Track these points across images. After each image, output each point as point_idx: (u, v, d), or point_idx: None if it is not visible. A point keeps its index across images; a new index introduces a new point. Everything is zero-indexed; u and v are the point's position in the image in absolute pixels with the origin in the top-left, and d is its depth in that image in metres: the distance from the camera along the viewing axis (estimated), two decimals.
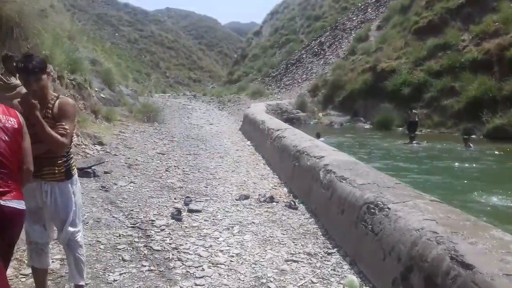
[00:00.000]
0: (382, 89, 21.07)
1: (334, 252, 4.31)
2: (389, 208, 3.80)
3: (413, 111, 17.00)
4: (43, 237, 2.98)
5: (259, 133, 11.00)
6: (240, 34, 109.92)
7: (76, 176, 3.10)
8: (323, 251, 4.36)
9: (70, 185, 3.00)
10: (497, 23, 18.46)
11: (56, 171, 2.91)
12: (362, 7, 36.00)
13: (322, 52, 33.66)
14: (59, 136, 2.77)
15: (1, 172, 2.29)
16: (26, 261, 3.70)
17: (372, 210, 3.98)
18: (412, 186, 4.72)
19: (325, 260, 4.13)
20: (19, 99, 2.81)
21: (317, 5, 47.14)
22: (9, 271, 3.57)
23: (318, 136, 12.54)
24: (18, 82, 5.41)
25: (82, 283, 3.18)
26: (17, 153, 2.41)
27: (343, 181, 4.92)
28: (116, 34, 76.81)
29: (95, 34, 44.22)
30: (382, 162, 11.32)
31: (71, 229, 3.01)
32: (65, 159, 2.96)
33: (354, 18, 35.06)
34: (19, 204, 2.37)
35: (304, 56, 35.48)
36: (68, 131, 2.83)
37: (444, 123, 17.94)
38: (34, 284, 3.31)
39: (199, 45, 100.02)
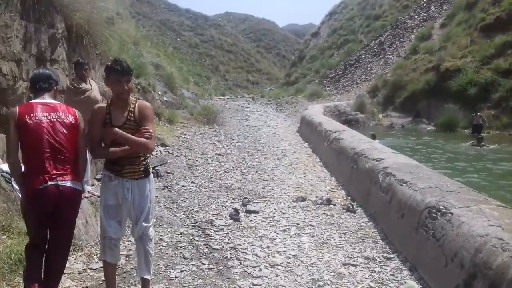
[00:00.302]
0: (446, 89, 20.17)
1: (394, 257, 4.22)
2: (451, 213, 3.67)
3: (478, 113, 16.15)
4: (117, 232, 3.18)
5: (316, 135, 10.94)
6: (298, 35, 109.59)
7: (152, 175, 3.32)
8: (382, 255, 4.28)
9: (148, 182, 3.23)
10: None
11: (136, 170, 3.14)
12: (424, 5, 34.70)
13: (382, 52, 32.82)
14: (146, 141, 3.03)
15: (60, 158, 2.89)
16: (97, 256, 3.94)
17: (434, 215, 3.86)
18: (478, 190, 4.52)
19: (384, 265, 4.05)
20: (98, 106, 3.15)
21: (377, 4, 46.05)
22: (78, 266, 3.85)
23: (373, 138, 12.25)
24: (87, 86, 5.78)
25: (148, 277, 3.35)
26: (73, 143, 2.99)
27: (403, 185, 4.80)
28: (178, 39, 79.26)
29: (158, 39, 45.98)
30: (446, 165, 10.86)
31: (144, 224, 3.24)
32: (143, 158, 3.19)
33: (416, 17, 33.87)
34: (75, 185, 2.94)
35: (363, 56, 34.78)
36: (152, 133, 3.08)
37: None
38: (102, 278, 3.53)
39: (257, 47, 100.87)
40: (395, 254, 4.29)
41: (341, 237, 4.79)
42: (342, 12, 53.62)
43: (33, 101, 3.01)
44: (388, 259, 4.19)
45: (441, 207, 3.87)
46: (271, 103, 26.14)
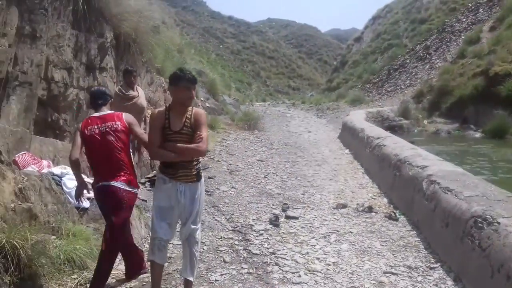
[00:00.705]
0: (496, 95, 19.26)
1: (437, 267, 4.10)
2: (498, 223, 3.55)
3: None
4: (167, 234, 3.32)
5: (358, 141, 10.79)
6: (340, 40, 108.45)
7: (203, 179, 3.47)
8: (425, 265, 4.17)
9: (199, 186, 3.39)
10: None
11: (189, 174, 3.30)
12: (472, 7, 33.44)
13: (427, 56, 31.89)
14: (199, 145, 3.22)
15: (109, 162, 3.54)
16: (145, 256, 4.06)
17: (480, 224, 3.73)
18: None
19: (427, 275, 3.95)
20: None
21: (422, 8, 44.84)
22: (123, 267, 3.98)
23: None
24: (135, 93, 6.00)
25: (191, 279, 3.45)
26: (122, 146, 3.60)
27: (448, 193, 4.66)
28: (221, 46, 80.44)
29: (202, 46, 46.90)
30: (496, 174, 10.41)
31: (192, 226, 3.37)
32: (195, 163, 3.36)
33: (464, 20, 32.70)
34: (122, 185, 3.53)
35: (407, 61, 33.91)
36: (204, 138, 3.23)
37: None
38: (145, 279, 3.65)
39: (299, 53, 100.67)
40: (438, 263, 4.17)
41: (382, 245, 4.71)
42: (386, 16, 52.61)
43: (92, 115, 3.72)
44: (431, 268, 4.08)
45: (487, 216, 3.73)
46: (312, 109, 26.01)
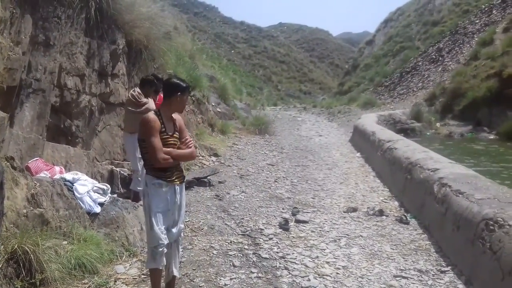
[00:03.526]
0: (510, 96, 19.06)
1: (448, 270, 4.07)
2: (510, 225, 3.51)
3: None
4: (167, 237, 3.34)
5: (369, 144, 10.73)
6: (352, 44, 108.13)
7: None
8: (435, 268, 4.14)
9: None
10: None
11: (181, 175, 3.45)
12: (486, 9, 33.08)
13: (440, 58, 31.62)
14: (193, 150, 3.47)
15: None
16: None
17: (491, 227, 3.70)
18: None
19: (437, 278, 3.92)
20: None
21: (435, 10, 44.52)
22: (133, 271, 4.03)
23: None
24: (146, 100, 6.06)
25: (179, 275, 3.61)
26: None
27: (459, 196, 4.63)
28: (232, 51, 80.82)
29: (213, 52, 47.08)
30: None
31: (181, 225, 3.52)
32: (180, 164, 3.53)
33: (477, 21, 32.36)
34: None
35: (420, 63, 33.66)
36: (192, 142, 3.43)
37: None
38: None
39: (310, 57, 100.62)
40: (449, 267, 4.14)
41: (393, 249, 4.68)
42: (399, 19, 52.35)
43: None
44: (442, 272, 4.05)
45: (499, 219, 3.70)
46: (323, 113, 25.92)
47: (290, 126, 18.76)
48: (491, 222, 3.74)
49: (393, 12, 56.15)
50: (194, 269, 4.12)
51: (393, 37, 47.82)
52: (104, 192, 5.22)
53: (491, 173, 9.67)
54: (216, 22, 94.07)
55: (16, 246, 3.28)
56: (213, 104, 14.79)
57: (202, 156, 9.11)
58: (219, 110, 14.94)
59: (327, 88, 76.18)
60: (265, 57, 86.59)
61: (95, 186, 5.13)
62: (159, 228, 3.25)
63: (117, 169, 6.80)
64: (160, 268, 3.34)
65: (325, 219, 5.80)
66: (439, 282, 3.84)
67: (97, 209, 4.80)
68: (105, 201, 5.01)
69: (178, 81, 3.35)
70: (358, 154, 11.41)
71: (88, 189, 4.92)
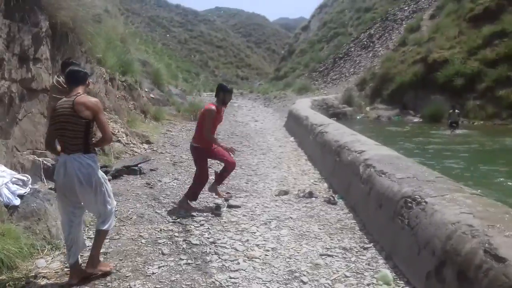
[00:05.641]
0: (433, 81, 20.24)
1: (370, 247, 4.26)
2: (426, 202, 3.72)
3: (456, 111, 16.22)
4: None
5: (303, 129, 10.97)
6: (289, 29, 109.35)
7: None
8: (359, 245, 4.32)
9: None
10: None
11: None
12: None
13: (371, 44, 32.89)
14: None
15: None
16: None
17: (410, 204, 3.90)
18: (457, 179, 4.57)
19: (360, 255, 4.09)
20: None
21: None
22: (55, 265, 3.83)
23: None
24: None
25: None
26: None
27: (382, 176, 4.84)
28: (167, 35, 78.87)
29: (147, 36, 45.66)
30: (429, 157, 10.96)
31: None
32: None
33: (406, 8, 33.91)
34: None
35: (352, 49, 34.83)
36: None
37: (499, 114, 17.05)
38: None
39: (247, 42, 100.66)
40: (372, 244, 4.33)
41: (320, 229, 4.82)
42: (333, 5, 53.54)
43: None
44: (365, 248, 4.23)
45: (416, 196, 3.91)
46: (260, 98, 26.16)
47: (226, 111, 18.61)
48: (410, 200, 3.94)
49: None
50: (121, 259, 4.00)
51: (327, 23, 48.90)
52: (24, 184, 4.91)
53: (411, 153, 10.29)
54: (150, 4, 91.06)
55: None
56: (146, 90, 14.39)
57: (134, 144, 8.84)
58: (153, 96, 14.58)
59: (264, 73, 76.78)
60: (201, 41, 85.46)
61: (14, 177, 4.81)
62: None
63: (40, 159, 6.42)
64: None
65: (257, 203, 5.85)
66: (362, 259, 4.01)
67: (16, 202, 4.49)
68: (25, 192, 4.71)
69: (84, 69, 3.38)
70: (292, 139, 11.63)
71: (6, 181, 4.61)
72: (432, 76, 20.47)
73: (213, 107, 5.43)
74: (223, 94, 5.58)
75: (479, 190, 4.36)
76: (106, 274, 3.67)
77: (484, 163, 9.97)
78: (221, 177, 5.86)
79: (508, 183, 8.01)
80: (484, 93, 18.11)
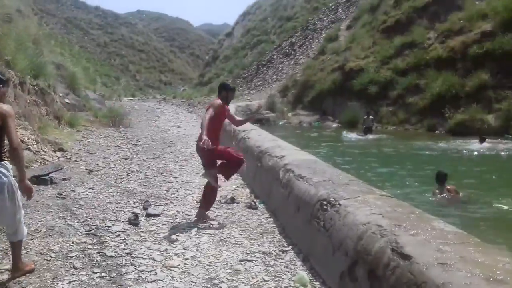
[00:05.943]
0: (350, 88, 21.34)
1: (289, 250, 4.33)
2: (340, 204, 3.84)
3: (370, 116, 17.26)
4: None
5: (226, 134, 10.95)
6: (213, 35, 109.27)
7: None
8: (278, 249, 4.37)
9: None
10: (462, 21, 18.86)
11: None
12: (332, 7, 36.38)
13: (292, 52, 33.87)
14: None
15: None
16: None
17: (325, 207, 4.01)
18: (372, 181, 4.79)
19: (279, 258, 4.14)
20: None
21: (288, 6, 47.38)
22: None
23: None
24: None
25: None
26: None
27: (300, 180, 4.95)
28: (85, 37, 75.33)
29: (63, 38, 43.29)
30: (346, 161, 11.48)
31: None
32: None
33: (325, 18, 35.37)
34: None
35: (275, 56, 35.63)
36: None
37: (409, 119, 18.34)
38: None
39: (171, 47, 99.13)
40: (290, 247, 4.41)
41: (241, 234, 4.82)
42: (256, 12, 54.48)
43: None
44: (283, 252, 4.29)
45: (331, 199, 4.03)
46: (183, 104, 25.84)
47: (148, 117, 18.25)
48: (325, 202, 4.06)
49: (251, 5, 58.21)
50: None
51: (250, 30, 49.62)
52: None
53: (327, 156, 10.72)
54: (67, 5, 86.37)
55: None
56: (61, 94, 13.59)
57: (45, 152, 8.27)
58: (68, 101, 13.79)
59: (188, 79, 76.04)
60: (122, 45, 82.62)
61: None
62: None
63: None
64: None
65: (177, 210, 5.73)
66: (280, 262, 4.06)
67: None
68: None
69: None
70: None
71: None
72: (349, 84, 21.56)
73: (219, 100, 5.36)
74: (226, 92, 5.51)
75: (385, 190, 4.60)
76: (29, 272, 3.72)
77: (393, 165, 10.65)
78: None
79: (415, 183, 8.61)
80: (396, 100, 19.39)
